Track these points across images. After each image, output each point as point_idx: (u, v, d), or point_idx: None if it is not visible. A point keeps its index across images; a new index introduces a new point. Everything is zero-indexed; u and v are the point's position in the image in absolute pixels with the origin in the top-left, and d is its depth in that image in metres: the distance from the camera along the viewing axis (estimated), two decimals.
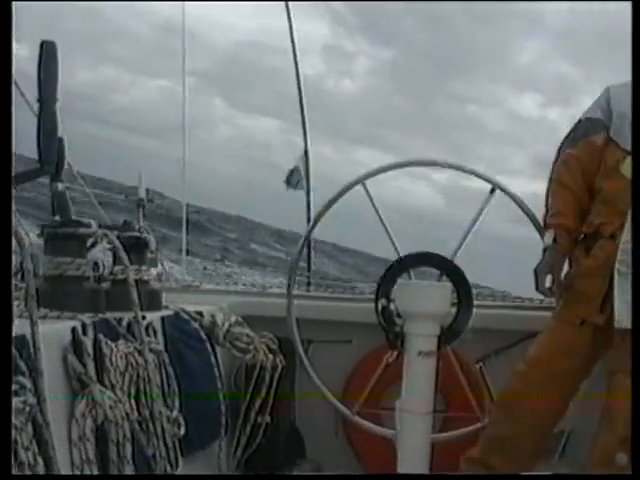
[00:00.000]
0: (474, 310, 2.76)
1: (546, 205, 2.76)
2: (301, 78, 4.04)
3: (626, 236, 2.45)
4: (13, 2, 1.69)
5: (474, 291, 2.78)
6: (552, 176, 2.74)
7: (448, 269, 2.78)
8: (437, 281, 2.82)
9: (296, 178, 4.02)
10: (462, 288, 2.75)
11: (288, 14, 4.00)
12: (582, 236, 2.67)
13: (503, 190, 2.96)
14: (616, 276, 2.47)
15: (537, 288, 2.64)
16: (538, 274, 2.63)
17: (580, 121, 2.73)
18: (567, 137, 2.75)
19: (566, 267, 2.70)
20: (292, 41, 4.00)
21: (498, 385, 2.89)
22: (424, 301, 2.62)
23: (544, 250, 2.66)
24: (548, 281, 2.62)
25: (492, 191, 2.96)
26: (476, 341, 2.94)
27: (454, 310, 2.75)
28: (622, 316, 2.43)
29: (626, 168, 2.50)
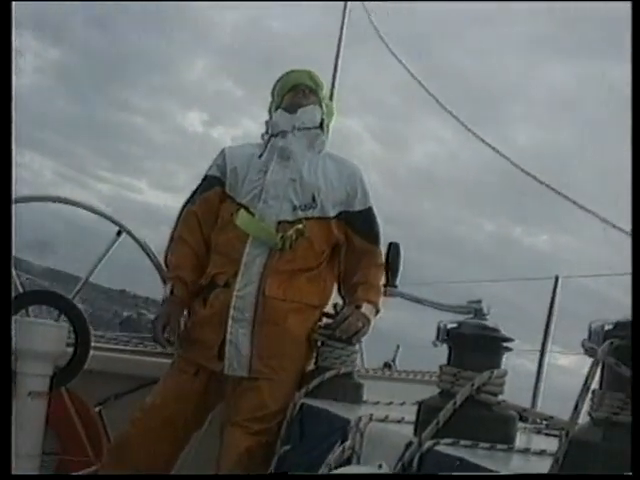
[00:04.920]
0: (91, 352, 2.78)
1: (165, 261, 2.83)
2: None
3: (240, 283, 2.55)
4: (13, 2, 1.74)
5: (93, 333, 2.81)
6: (173, 233, 2.78)
7: (67, 309, 2.77)
8: (56, 320, 2.80)
9: None
10: (80, 329, 2.76)
11: None
12: (201, 288, 2.69)
13: (131, 236, 3.04)
14: (230, 322, 2.54)
15: (154, 338, 2.67)
16: (155, 325, 2.65)
17: (203, 179, 2.79)
18: (192, 195, 2.80)
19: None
20: None
21: (117, 430, 2.88)
22: (36, 339, 2.59)
23: (163, 301, 2.71)
24: (166, 331, 2.63)
25: (119, 233, 3.01)
26: (96, 384, 2.97)
27: (71, 351, 2.75)
28: (232, 361, 2.53)
29: (240, 220, 2.60)
